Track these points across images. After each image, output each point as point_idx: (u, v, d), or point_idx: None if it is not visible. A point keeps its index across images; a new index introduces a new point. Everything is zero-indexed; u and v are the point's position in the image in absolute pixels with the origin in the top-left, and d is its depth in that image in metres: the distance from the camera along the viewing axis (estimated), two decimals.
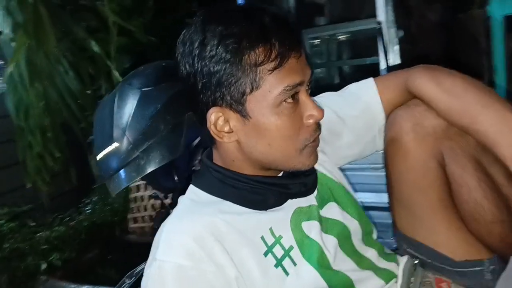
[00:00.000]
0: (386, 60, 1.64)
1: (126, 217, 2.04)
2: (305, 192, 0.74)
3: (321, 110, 0.67)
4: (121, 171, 0.84)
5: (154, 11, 2.23)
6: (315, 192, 0.75)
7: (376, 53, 2.01)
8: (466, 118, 0.69)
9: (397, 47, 1.69)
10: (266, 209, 0.70)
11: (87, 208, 2.14)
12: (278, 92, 0.62)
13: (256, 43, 0.61)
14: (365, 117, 0.83)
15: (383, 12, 1.62)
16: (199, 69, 0.62)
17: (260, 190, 0.70)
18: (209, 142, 0.74)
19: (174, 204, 0.97)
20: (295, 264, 0.67)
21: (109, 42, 1.60)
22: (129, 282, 1.06)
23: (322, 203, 0.76)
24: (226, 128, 0.66)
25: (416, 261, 0.81)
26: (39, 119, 1.63)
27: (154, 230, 0.94)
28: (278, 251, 0.66)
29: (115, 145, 0.83)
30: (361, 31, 1.90)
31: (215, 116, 0.65)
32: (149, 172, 0.84)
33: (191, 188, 0.74)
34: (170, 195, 1.31)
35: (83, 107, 1.65)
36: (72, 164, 1.79)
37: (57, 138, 1.64)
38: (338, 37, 2.17)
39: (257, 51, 0.61)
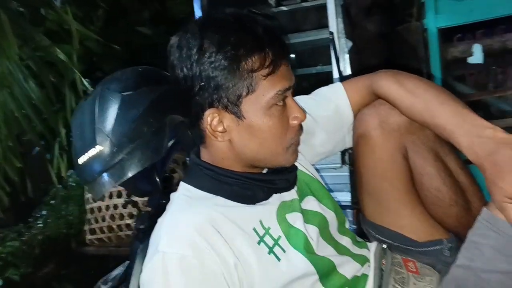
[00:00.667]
0: (339, 68, 1.75)
1: (82, 229, 1.97)
2: (288, 187, 0.80)
3: (304, 113, 0.74)
4: (105, 174, 0.84)
5: (104, 19, 2.21)
6: (296, 187, 0.82)
7: (326, 62, 2.14)
8: (426, 114, 0.79)
9: (347, 56, 1.81)
10: (254, 203, 0.75)
11: (38, 222, 2.05)
12: (271, 96, 0.68)
13: (252, 51, 0.67)
14: (336, 117, 0.92)
15: (334, 23, 1.73)
16: (198, 73, 0.67)
17: (249, 185, 0.75)
18: (198, 142, 0.78)
19: (152, 206, 0.99)
20: (284, 251, 0.73)
21: (71, 50, 1.57)
22: (105, 287, 1.05)
23: (301, 196, 0.82)
24: (220, 128, 0.71)
25: (384, 246, 0.90)
26: None
27: (134, 232, 0.96)
28: (269, 240, 0.72)
29: (98, 148, 0.84)
30: (313, 41, 2.01)
31: (211, 117, 0.70)
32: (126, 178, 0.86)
33: (183, 185, 0.77)
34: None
35: (44, 117, 1.60)
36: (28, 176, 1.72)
37: (15, 148, 1.56)
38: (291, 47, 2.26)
39: (253, 58, 0.67)
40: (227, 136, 0.72)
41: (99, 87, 0.92)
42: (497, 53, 1.99)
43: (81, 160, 0.86)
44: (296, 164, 0.83)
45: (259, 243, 0.71)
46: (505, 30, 1.97)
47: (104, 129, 0.84)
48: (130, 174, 0.84)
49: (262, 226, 0.74)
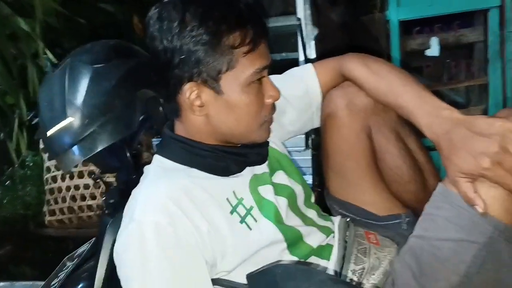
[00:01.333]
0: (305, 55, 1.79)
1: (41, 210, 1.92)
2: (260, 160, 0.83)
3: (279, 92, 0.77)
4: (75, 147, 0.84)
5: None
6: (267, 162, 0.85)
7: (291, 49, 2.18)
8: (390, 95, 0.84)
9: (313, 43, 1.85)
10: (228, 175, 0.78)
11: None
12: (250, 73, 0.71)
13: (234, 27, 0.69)
14: (306, 96, 0.95)
15: (302, 9, 1.77)
16: (178, 46, 0.68)
17: (223, 158, 0.77)
18: (173, 115, 0.79)
19: (121, 182, 1.00)
20: (256, 220, 0.76)
21: (33, 23, 1.50)
22: (71, 264, 1.05)
23: (272, 170, 0.86)
24: (198, 102, 0.72)
25: (347, 219, 0.95)
26: None
27: (103, 208, 0.96)
28: (241, 210, 0.75)
29: (69, 120, 0.83)
30: (280, 28, 2.04)
31: (189, 91, 0.71)
32: (98, 151, 0.86)
33: (157, 157, 0.78)
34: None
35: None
36: None
37: None
38: None
39: (234, 35, 0.69)
40: (204, 110, 0.73)
41: (69, 59, 0.90)
42: (452, 47, 2.10)
43: (51, 132, 0.85)
44: (268, 140, 0.86)
45: (231, 212, 0.74)
46: (460, 25, 2.08)
47: (75, 100, 0.84)
48: (100, 147, 0.85)
49: (235, 196, 0.76)
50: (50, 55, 1.54)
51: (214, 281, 0.70)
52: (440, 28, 2.10)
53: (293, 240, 0.80)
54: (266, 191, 0.81)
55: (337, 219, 0.94)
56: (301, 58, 1.82)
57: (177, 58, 0.69)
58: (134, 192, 0.73)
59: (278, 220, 0.78)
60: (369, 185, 0.93)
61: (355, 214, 0.96)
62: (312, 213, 0.90)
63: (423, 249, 0.77)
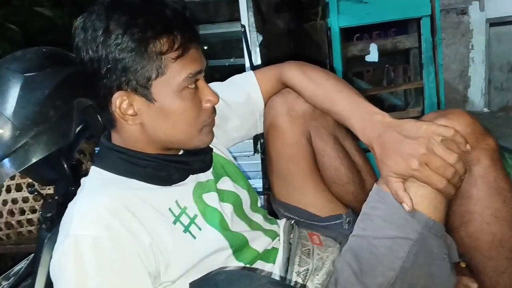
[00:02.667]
0: (250, 61, 1.81)
1: None
2: (204, 168, 0.83)
3: (217, 96, 0.77)
4: (6, 160, 0.79)
5: None
6: (211, 169, 0.85)
7: (239, 55, 2.19)
8: (326, 102, 0.87)
9: (258, 50, 1.88)
10: (170, 184, 0.77)
11: None
12: (182, 78, 0.70)
13: (160, 33, 0.68)
14: (248, 104, 0.97)
15: (245, 16, 1.79)
16: (104, 55, 0.66)
17: (164, 167, 0.76)
18: (108, 126, 0.77)
19: (59, 194, 0.95)
20: (200, 229, 0.75)
21: None
22: (7, 283, 0.99)
23: (217, 177, 0.86)
24: (130, 111, 0.71)
25: (292, 222, 0.97)
26: None
27: (41, 221, 0.91)
28: (185, 219, 0.74)
29: None
30: (225, 34, 2.05)
31: (120, 100, 0.70)
32: (33, 163, 0.82)
33: (94, 169, 0.76)
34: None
35: None
36: None
37: None
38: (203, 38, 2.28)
39: (161, 41, 0.68)
40: (138, 119, 0.72)
41: None
42: (390, 52, 2.22)
43: None
44: (211, 147, 0.87)
45: (174, 222, 0.73)
46: (396, 32, 2.20)
47: (4, 111, 0.80)
48: (34, 159, 0.81)
49: (178, 206, 0.75)
50: None
51: None
52: (378, 35, 2.21)
53: (239, 246, 0.80)
54: (211, 199, 0.81)
55: (282, 222, 0.96)
56: (247, 64, 1.84)
57: (104, 68, 0.67)
58: (70, 205, 0.70)
59: (223, 227, 0.78)
60: (310, 187, 0.96)
61: (299, 216, 0.98)
62: (258, 218, 0.91)
63: (362, 248, 0.80)
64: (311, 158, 0.95)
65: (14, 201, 1.76)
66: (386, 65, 2.36)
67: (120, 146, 0.76)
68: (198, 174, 0.83)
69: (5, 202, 1.77)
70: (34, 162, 0.82)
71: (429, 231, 0.75)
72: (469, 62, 2.93)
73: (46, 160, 0.84)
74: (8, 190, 1.75)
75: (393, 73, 2.41)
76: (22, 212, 1.76)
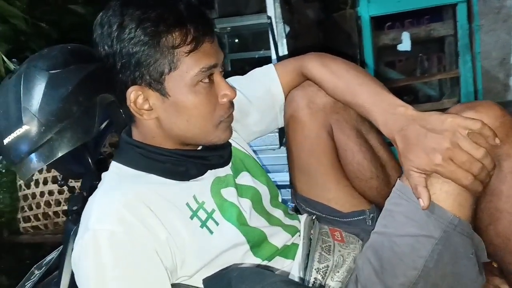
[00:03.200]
0: (277, 52, 1.80)
1: (15, 217, 1.89)
2: (223, 163, 0.83)
3: (234, 90, 0.76)
4: (33, 155, 0.82)
5: None
6: (230, 163, 0.85)
7: (265, 47, 2.18)
8: (348, 94, 0.85)
9: (285, 41, 1.85)
10: (188, 180, 0.77)
11: None
12: (195, 73, 0.70)
13: (172, 27, 0.68)
14: (268, 97, 0.95)
15: (272, 8, 1.77)
16: (118, 50, 0.67)
17: (182, 162, 0.77)
18: (128, 121, 0.78)
19: (85, 188, 0.98)
20: (217, 224, 0.75)
21: None
22: (39, 272, 1.03)
23: (236, 172, 0.86)
24: (146, 106, 0.72)
25: (313, 217, 0.96)
26: None
27: (69, 212, 0.94)
28: (202, 214, 0.75)
29: (25, 128, 0.81)
30: (251, 26, 2.04)
31: (134, 95, 0.70)
32: (59, 157, 0.84)
33: (114, 164, 0.77)
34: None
35: None
36: None
37: None
38: (229, 31, 2.28)
39: (174, 34, 0.68)
40: (154, 114, 0.73)
41: (25, 65, 0.88)
42: (423, 41, 2.14)
43: (7, 140, 0.83)
44: (231, 141, 0.86)
45: (191, 217, 0.74)
46: (430, 19, 2.11)
47: (30, 108, 0.82)
48: (59, 155, 0.83)
49: (196, 201, 0.76)
50: (7, 61, 1.50)
51: (174, 286, 0.70)
52: (410, 23, 2.13)
53: (257, 241, 0.80)
54: (229, 193, 0.81)
55: (303, 218, 0.95)
56: (273, 56, 1.82)
57: (119, 63, 0.69)
58: (90, 200, 0.72)
59: (240, 222, 0.78)
60: (332, 182, 0.94)
61: (321, 211, 0.96)
62: (278, 213, 0.91)
63: (383, 245, 0.78)
64: (332, 152, 0.93)
65: (51, 192, 1.84)
66: (420, 54, 2.28)
67: (139, 141, 0.77)
68: (217, 169, 0.82)
69: (42, 194, 1.85)
70: (60, 157, 0.84)
71: (454, 229, 0.71)
72: (511, 49, 2.77)
73: (72, 154, 0.86)
74: (45, 182, 1.83)
75: (427, 63, 2.32)
76: (58, 203, 1.84)
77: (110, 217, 0.66)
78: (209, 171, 0.81)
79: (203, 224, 0.74)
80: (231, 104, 0.78)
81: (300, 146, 0.94)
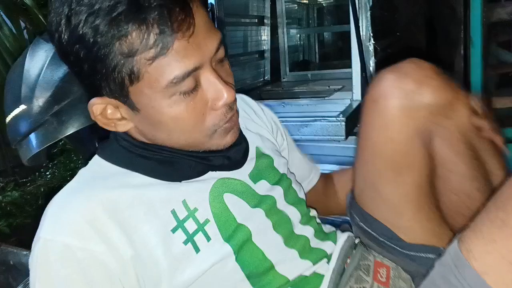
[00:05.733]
0: (357, 26, 1.54)
1: None
2: (230, 165, 0.67)
3: (231, 90, 0.58)
4: (32, 135, 0.77)
5: None
6: (248, 168, 0.69)
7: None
8: None
9: (368, 14, 1.58)
10: (180, 180, 0.63)
11: (48, 173, 2.07)
12: (164, 85, 0.52)
13: (127, 25, 0.49)
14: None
15: None
16: (68, 51, 0.52)
17: (173, 159, 0.63)
18: None
19: None
20: (208, 239, 0.60)
21: None
22: None
23: (255, 179, 0.69)
24: (118, 115, 0.58)
25: (357, 241, 0.75)
26: None
27: None
28: (191, 226, 0.60)
29: (22, 107, 0.76)
30: None
31: (100, 107, 0.57)
32: (74, 135, 0.77)
33: (95, 159, 0.66)
34: None
35: None
36: None
37: None
38: (316, 2, 2.07)
39: (129, 37, 0.49)
40: (129, 124, 0.59)
41: (37, 37, 0.83)
42: None
43: (8, 118, 0.79)
44: (258, 141, 0.73)
45: (174, 230, 0.59)
46: None
47: (29, 85, 0.76)
48: (57, 138, 0.76)
49: (186, 207, 0.61)
50: None
51: None
52: None
53: (256, 269, 0.63)
54: (235, 201, 0.65)
55: (342, 238, 0.75)
56: (353, 30, 1.56)
57: (73, 69, 0.55)
58: (53, 199, 0.61)
59: (241, 239, 0.62)
60: (411, 208, 0.70)
61: (379, 233, 0.74)
62: (307, 231, 0.72)
63: None
64: (424, 169, 0.68)
65: None
66: None
67: (128, 133, 0.64)
68: (223, 172, 0.67)
69: None
70: (74, 136, 0.78)
71: None
72: None
73: (89, 133, 0.80)
74: None
75: None
76: None
77: (65, 227, 0.55)
78: (211, 172, 0.65)
79: (189, 239, 0.59)
80: (231, 107, 0.60)
81: (377, 147, 0.70)
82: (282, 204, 0.71)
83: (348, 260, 0.71)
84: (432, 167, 0.68)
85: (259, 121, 0.82)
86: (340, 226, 0.86)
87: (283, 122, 1.47)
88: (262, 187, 0.70)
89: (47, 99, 0.75)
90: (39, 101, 0.75)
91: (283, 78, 2.19)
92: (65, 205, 0.57)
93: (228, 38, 1.92)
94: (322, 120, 1.38)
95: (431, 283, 0.57)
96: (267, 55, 2.17)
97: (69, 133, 0.75)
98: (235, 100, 0.61)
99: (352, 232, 0.80)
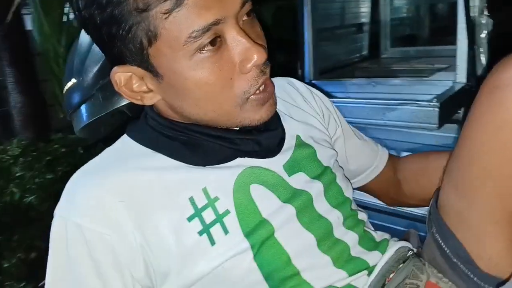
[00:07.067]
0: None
1: None
2: (261, 152, 0.60)
3: (261, 50, 0.51)
4: (82, 107, 0.79)
5: None
6: (283, 158, 0.61)
7: None
8: None
9: None
10: (204, 165, 0.58)
11: None
12: (183, 41, 0.48)
13: None
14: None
15: None
16: (87, 18, 0.51)
17: (198, 141, 0.58)
18: None
19: None
20: (226, 232, 0.55)
21: None
22: None
23: (291, 170, 0.62)
24: (144, 88, 0.54)
25: (410, 252, 0.63)
26: None
27: None
28: (209, 215, 0.55)
29: (73, 81, 0.78)
30: None
31: (123, 77, 0.54)
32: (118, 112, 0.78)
33: (123, 137, 0.64)
34: None
35: None
36: None
37: None
38: None
39: None
40: (156, 96, 0.55)
41: None
42: None
43: (64, 91, 0.82)
44: (301, 130, 0.65)
45: (191, 218, 0.55)
46: None
47: (81, 59, 0.78)
48: (104, 112, 0.77)
49: (206, 195, 0.56)
50: None
51: None
52: None
53: (277, 273, 0.56)
54: (262, 193, 0.58)
55: (393, 248, 0.63)
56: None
57: (94, 37, 0.52)
58: (72, 176, 0.61)
59: (260, 237, 0.56)
60: (501, 239, 0.56)
61: (453, 252, 0.60)
62: (351, 238, 0.62)
63: None
64: None
65: None
66: None
67: (157, 112, 0.61)
68: (254, 159, 0.60)
69: None
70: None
71: None
72: None
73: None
74: None
75: None
76: None
77: (78, 207, 0.54)
78: (239, 158, 0.59)
79: (205, 229, 0.55)
80: (263, 70, 0.53)
81: (482, 153, 0.55)
82: (320, 202, 0.62)
83: (392, 275, 0.60)
84: None
85: (307, 108, 0.73)
86: (405, 233, 0.74)
87: (367, 104, 1.35)
88: (299, 180, 0.61)
89: (94, 73, 0.76)
90: (88, 75, 0.76)
91: (383, 54, 2.00)
92: (80, 185, 0.57)
93: (323, 9, 1.80)
94: (411, 104, 1.20)
95: None
96: (366, 28, 1.99)
97: (113, 109, 0.76)
98: (268, 63, 0.54)
99: (419, 241, 0.68)
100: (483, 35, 1.31)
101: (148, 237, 0.53)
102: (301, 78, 1.67)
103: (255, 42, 0.51)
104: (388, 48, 1.97)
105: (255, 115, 0.54)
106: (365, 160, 0.78)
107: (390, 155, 0.82)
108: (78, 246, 0.53)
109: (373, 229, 0.68)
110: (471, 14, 1.29)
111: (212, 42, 0.49)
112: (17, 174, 1.68)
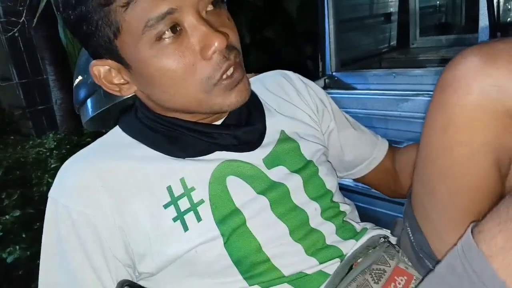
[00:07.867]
0: None
1: None
2: (239, 146, 0.63)
3: (220, 36, 0.53)
4: (88, 102, 0.85)
5: None
6: (263, 152, 0.64)
7: None
8: None
9: None
10: (184, 157, 0.62)
11: None
12: (141, 30, 0.51)
13: None
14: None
15: None
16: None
17: (178, 134, 0.62)
18: None
19: None
20: (199, 219, 0.59)
21: None
22: None
23: (270, 164, 0.64)
24: (122, 80, 0.59)
25: (383, 239, 0.64)
26: None
27: None
28: (184, 204, 0.59)
29: (80, 78, 0.84)
30: None
31: (102, 69, 0.58)
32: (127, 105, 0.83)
33: (115, 128, 0.69)
34: None
35: None
36: None
37: None
38: None
39: None
40: (132, 87, 0.59)
41: None
42: None
43: (74, 84, 0.88)
44: (287, 125, 0.67)
45: (167, 206, 0.59)
46: None
47: (85, 59, 0.84)
48: (106, 105, 0.82)
49: (183, 185, 0.60)
50: None
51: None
52: None
53: (246, 259, 0.59)
54: (237, 184, 0.61)
55: (365, 237, 0.64)
56: None
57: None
58: (67, 160, 0.67)
59: (231, 225, 0.59)
60: (455, 236, 0.56)
61: (418, 246, 0.58)
62: (328, 228, 0.63)
63: None
64: (486, 199, 0.53)
65: None
66: None
67: (145, 104, 0.65)
68: (233, 153, 0.63)
69: None
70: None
71: None
72: None
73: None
74: None
75: None
76: None
77: (66, 189, 0.60)
78: (218, 152, 0.62)
79: (179, 216, 0.58)
80: (227, 55, 0.54)
81: (436, 151, 0.55)
82: (299, 194, 0.64)
83: (359, 260, 0.61)
84: (497, 200, 0.50)
85: (299, 102, 0.74)
86: (395, 223, 0.74)
87: (383, 95, 1.32)
88: (278, 173, 0.63)
89: None
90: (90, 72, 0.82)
91: (412, 44, 1.93)
92: (70, 169, 0.62)
93: (348, 0, 1.78)
94: (424, 95, 1.16)
95: (436, 275, 0.45)
96: (394, 17, 1.94)
97: (114, 103, 0.81)
98: (233, 49, 0.55)
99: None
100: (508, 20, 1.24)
101: (126, 220, 0.57)
102: (322, 70, 1.66)
103: (218, 30, 0.53)
104: (417, 38, 1.91)
105: (225, 101, 0.56)
106: (362, 151, 0.78)
107: (391, 146, 0.81)
108: (66, 225, 0.58)
109: (358, 220, 0.69)
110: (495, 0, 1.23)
111: (173, 30, 0.51)
112: (52, 166, 1.81)
